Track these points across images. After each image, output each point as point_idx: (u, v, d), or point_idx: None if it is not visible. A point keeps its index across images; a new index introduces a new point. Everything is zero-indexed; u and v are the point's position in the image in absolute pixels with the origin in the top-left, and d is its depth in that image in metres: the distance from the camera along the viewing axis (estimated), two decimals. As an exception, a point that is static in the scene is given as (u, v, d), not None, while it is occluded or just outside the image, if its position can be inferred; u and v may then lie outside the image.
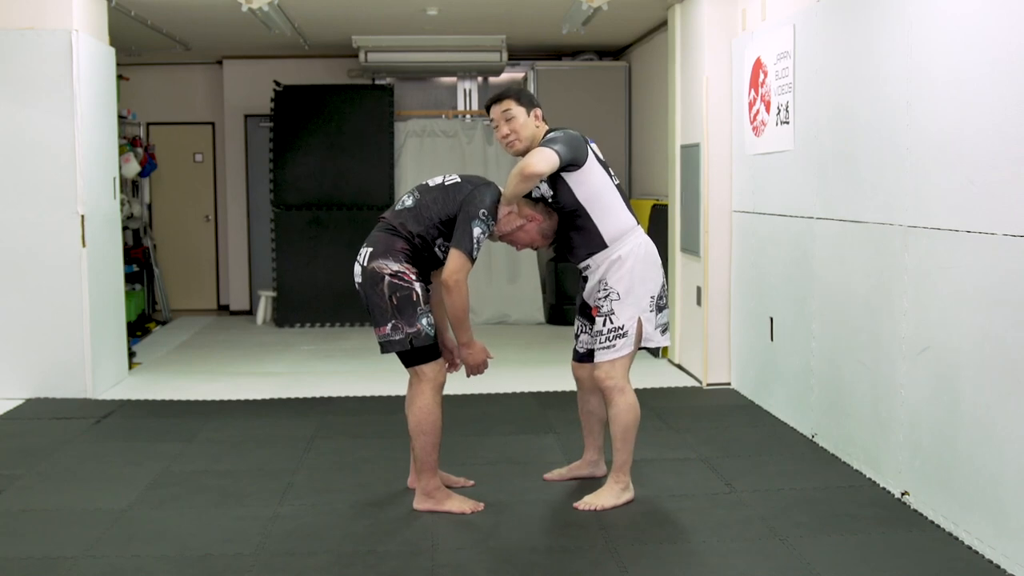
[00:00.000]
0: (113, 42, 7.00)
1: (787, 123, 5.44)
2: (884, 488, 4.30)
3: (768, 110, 5.72)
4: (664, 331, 4.20)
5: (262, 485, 4.50)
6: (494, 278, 9.57)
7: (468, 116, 9.94)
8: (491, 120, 4.22)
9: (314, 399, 6.31)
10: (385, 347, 4.03)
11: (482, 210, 3.95)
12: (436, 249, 4.04)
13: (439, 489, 4.11)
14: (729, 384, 6.51)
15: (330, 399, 6.31)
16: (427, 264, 4.06)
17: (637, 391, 6.31)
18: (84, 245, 6.23)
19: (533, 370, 7.19)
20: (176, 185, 10.61)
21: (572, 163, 4.01)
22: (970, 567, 3.49)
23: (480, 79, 10.30)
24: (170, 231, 10.60)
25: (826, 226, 4.94)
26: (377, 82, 9.90)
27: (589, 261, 4.14)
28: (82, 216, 6.21)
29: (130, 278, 8.81)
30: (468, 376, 4.21)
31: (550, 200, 4.17)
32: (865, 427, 4.53)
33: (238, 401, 6.27)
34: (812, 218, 5.11)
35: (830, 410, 4.93)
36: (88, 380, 6.29)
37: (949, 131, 3.79)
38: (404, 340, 3.95)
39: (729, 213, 6.43)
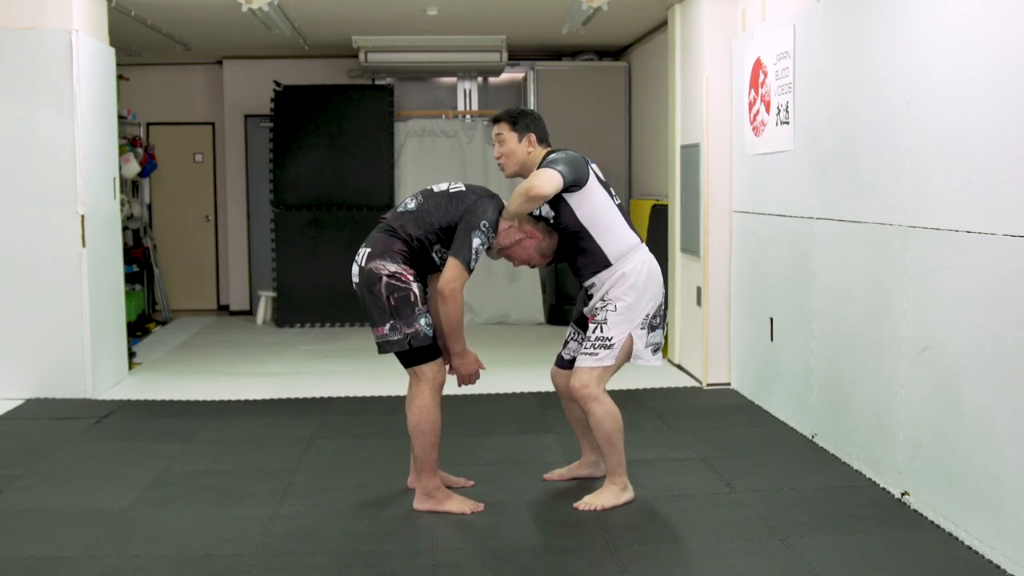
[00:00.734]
0: (113, 42, 7.00)
1: (787, 123, 5.44)
2: (884, 488, 4.30)
3: (768, 110, 5.72)
4: (656, 351, 4.19)
5: (262, 485, 4.50)
6: (494, 278, 9.57)
7: (468, 116, 9.94)
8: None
9: (314, 399, 6.31)
10: (383, 347, 4.03)
11: (483, 221, 3.95)
12: (434, 254, 4.05)
13: (439, 489, 4.11)
14: (729, 384, 6.51)
15: (330, 399, 6.30)
16: (424, 267, 4.06)
17: (637, 391, 6.34)
18: (84, 245, 6.23)
19: (533, 370, 7.18)
20: (176, 185, 10.61)
21: (574, 184, 4.03)
22: (970, 567, 3.49)
23: (480, 79, 10.30)
24: (170, 231, 10.60)
25: (826, 226, 4.94)
26: (377, 82, 9.90)
27: (594, 279, 4.15)
28: (82, 216, 6.21)
29: (130, 278, 8.81)
30: (460, 385, 4.21)
31: (552, 221, 4.18)
32: (865, 427, 4.53)
33: (238, 401, 6.26)
34: (812, 218, 5.11)
35: (830, 410, 4.93)
36: (88, 380, 6.29)
37: (949, 131, 3.79)
38: (403, 340, 3.95)
39: (729, 213, 6.43)
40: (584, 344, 4.15)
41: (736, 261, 6.35)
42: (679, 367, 7.07)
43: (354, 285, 4.07)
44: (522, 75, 10.30)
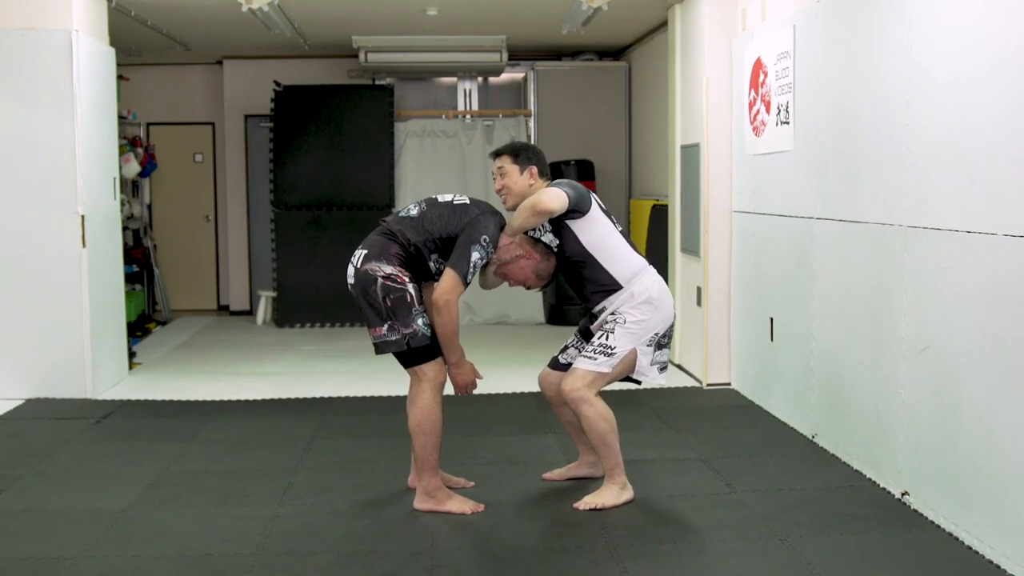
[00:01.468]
0: (113, 42, 7.00)
1: (787, 123, 5.44)
2: (884, 488, 4.30)
3: (768, 110, 5.72)
4: (662, 369, 4.21)
5: (262, 485, 4.50)
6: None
7: (468, 116, 9.94)
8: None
9: (314, 399, 6.31)
10: (380, 348, 4.02)
11: (484, 236, 3.96)
12: (431, 263, 4.05)
13: (440, 489, 4.11)
14: (729, 384, 6.51)
15: (330, 399, 6.30)
16: (419, 273, 4.06)
17: (637, 391, 6.33)
18: (84, 245, 6.23)
19: (533, 370, 7.14)
20: (176, 185, 10.61)
21: (576, 209, 4.08)
22: (970, 567, 3.49)
23: (480, 79, 10.30)
24: (170, 231, 10.60)
25: (826, 226, 4.94)
26: (377, 82, 9.90)
27: (604, 303, 4.18)
28: (82, 216, 6.21)
29: (130, 278, 8.81)
30: (457, 395, 4.21)
31: (555, 249, 4.21)
32: (865, 427, 4.53)
33: (238, 401, 6.26)
34: (812, 218, 5.11)
35: (830, 410, 4.93)
36: (88, 380, 6.29)
37: (949, 131, 3.79)
38: (400, 341, 3.96)
39: (729, 213, 6.43)
40: (584, 348, 4.18)
41: (736, 261, 6.35)
42: (679, 367, 7.07)
43: (349, 286, 4.07)
44: (522, 75, 10.30)
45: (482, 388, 6.39)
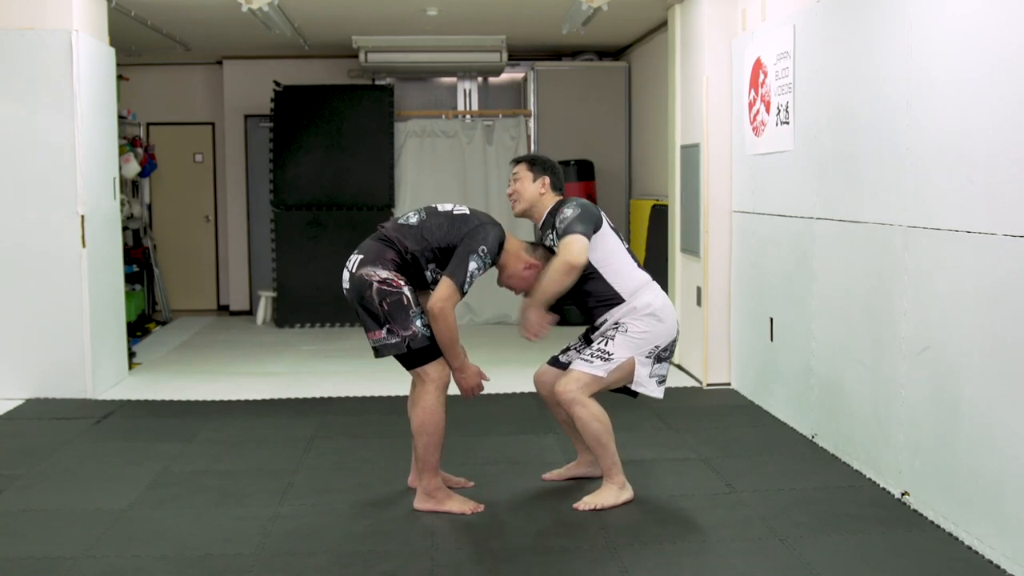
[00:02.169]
0: (113, 42, 7.00)
1: (787, 123, 5.44)
2: (884, 488, 4.30)
3: (768, 110, 5.72)
4: (661, 383, 4.24)
5: (262, 485, 4.50)
6: (494, 278, 9.55)
7: (468, 116, 9.94)
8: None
9: (314, 399, 6.31)
10: (380, 351, 4.02)
11: (482, 247, 3.97)
12: (427, 272, 4.05)
13: (440, 489, 4.11)
14: (729, 384, 6.51)
15: (330, 399, 6.31)
16: (414, 280, 4.05)
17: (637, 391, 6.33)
18: (84, 245, 6.23)
19: (533, 370, 7.16)
20: (176, 185, 10.61)
21: (593, 231, 4.16)
22: (970, 567, 3.49)
23: (480, 79, 10.30)
24: (170, 231, 10.60)
25: (826, 226, 4.94)
26: (377, 82, 9.90)
27: (607, 315, 4.24)
28: (82, 216, 6.21)
29: (130, 278, 8.81)
30: (465, 397, 4.20)
31: None
32: (865, 427, 4.53)
33: (238, 401, 6.26)
34: (812, 218, 5.11)
35: (830, 410, 4.93)
36: (88, 380, 6.29)
37: (949, 131, 3.79)
38: (400, 343, 3.95)
39: (729, 213, 6.43)
40: (584, 350, 4.23)
41: (736, 261, 6.35)
42: (679, 367, 7.07)
43: (344, 291, 4.06)
44: (522, 75, 10.30)
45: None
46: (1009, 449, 3.44)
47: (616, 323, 4.18)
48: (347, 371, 7.32)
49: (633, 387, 4.19)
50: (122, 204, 7.83)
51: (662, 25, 8.05)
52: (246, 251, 10.50)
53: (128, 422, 5.77)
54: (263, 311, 9.83)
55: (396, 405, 6.12)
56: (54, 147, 6.18)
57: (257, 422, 5.73)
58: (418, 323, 3.96)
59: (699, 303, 6.63)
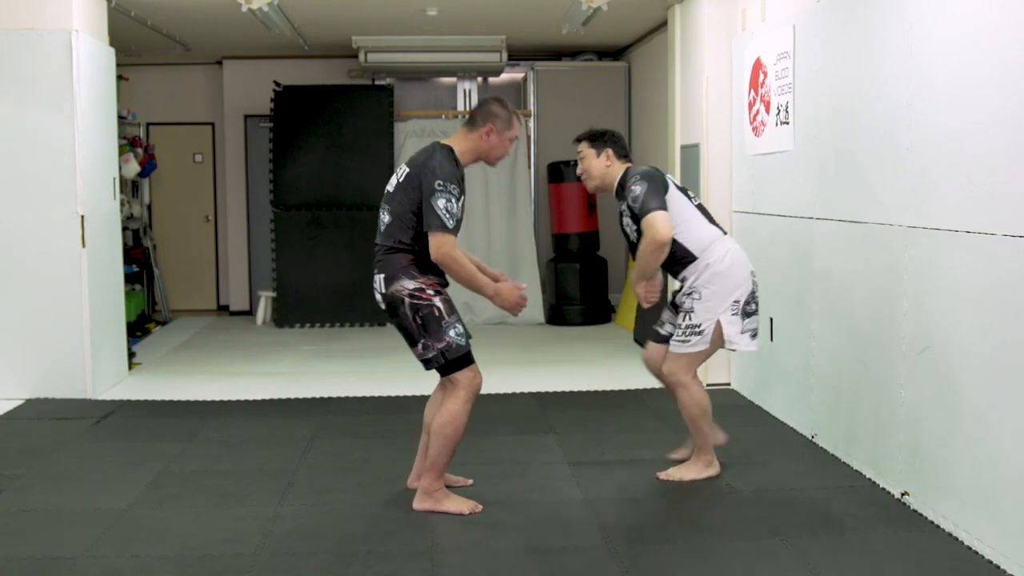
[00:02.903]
0: (113, 42, 7.00)
1: (787, 123, 5.44)
2: (884, 488, 4.31)
3: (768, 110, 5.72)
4: (753, 336, 4.43)
5: (262, 485, 4.50)
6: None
7: (468, 116, 9.93)
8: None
9: (314, 399, 6.31)
10: (425, 365, 4.06)
11: (436, 182, 3.93)
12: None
13: (440, 490, 4.11)
14: (729, 384, 6.51)
15: (330, 399, 6.31)
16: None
17: (637, 391, 6.34)
18: (84, 245, 6.23)
19: (533, 370, 7.19)
20: (176, 185, 10.61)
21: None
22: (970, 567, 3.49)
23: (480, 79, 10.30)
24: (170, 231, 10.60)
25: (826, 226, 4.94)
26: (377, 82, 9.90)
27: (685, 273, 4.40)
28: (82, 216, 6.21)
29: (130, 278, 8.81)
30: (515, 316, 4.23)
31: (634, 232, 4.37)
32: (865, 427, 4.53)
33: (238, 401, 6.26)
34: (812, 218, 5.11)
35: (830, 410, 4.93)
36: (88, 380, 6.29)
37: (949, 131, 3.79)
38: (437, 356, 3.98)
39: (729, 213, 6.43)
40: (676, 332, 4.42)
41: (736, 261, 6.34)
42: (679, 367, 7.06)
43: (383, 309, 4.09)
44: (522, 75, 10.30)
45: (482, 388, 6.41)
46: (1009, 449, 3.44)
47: (690, 291, 4.36)
48: (347, 371, 7.32)
49: (727, 346, 4.39)
50: (122, 204, 7.83)
51: (662, 25, 8.05)
52: (246, 251, 10.50)
53: (128, 422, 5.77)
54: (263, 311, 9.83)
55: (396, 405, 6.12)
56: (54, 147, 6.18)
57: (257, 422, 5.73)
58: (451, 333, 3.97)
59: (699, 303, 6.62)
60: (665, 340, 4.56)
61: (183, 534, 3.89)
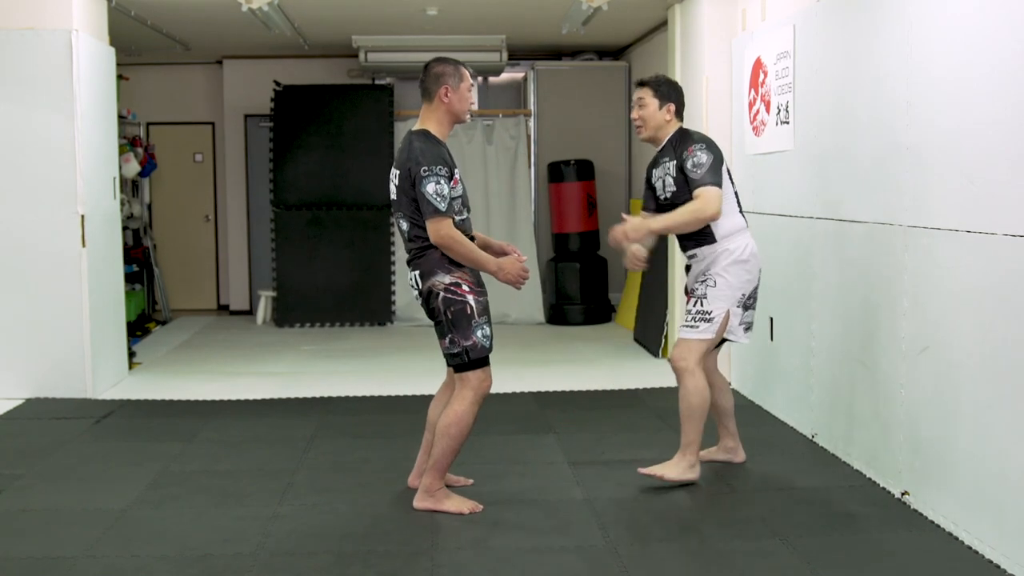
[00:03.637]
0: (113, 42, 7.00)
1: (787, 123, 5.44)
2: (884, 488, 4.30)
3: (768, 110, 5.72)
4: (748, 329, 4.41)
5: (262, 485, 4.50)
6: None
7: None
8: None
9: (314, 399, 6.31)
10: (449, 360, 4.07)
11: (421, 168, 3.93)
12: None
13: (440, 489, 4.11)
14: (729, 384, 6.49)
15: (330, 399, 6.30)
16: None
17: (637, 391, 6.34)
18: (84, 245, 6.23)
19: (533, 370, 7.19)
20: (176, 185, 10.61)
21: None
22: (970, 567, 3.49)
23: (480, 79, 10.29)
24: (170, 231, 10.60)
25: (826, 226, 4.94)
26: (377, 82, 9.90)
27: (696, 251, 4.37)
28: (82, 216, 6.21)
29: (130, 278, 8.81)
30: (518, 288, 4.18)
31: (669, 196, 4.35)
32: (865, 427, 4.53)
33: (238, 401, 6.26)
34: (812, 218, 5.11)
35: (830, 410, 4.93)
36: (88, 380, 6.29)
37: (949, 131, 3.79)
38: (461, 353, 3.99)
39: (729, 213, 6.42)
40: (685, 317, 4.35)
41: (736, 261, 6.34)
42: (679, 367, 7.06)
43: (420, 305, 4.11)
44: (522, 75, 10.30)
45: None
46: (1009, 449, 3.44)
47: (704, 275, 4.30)
48: (347, 371, 7.32)
49: (726, 335, 4.35)
50: (122, 204, 7.83)
51: (662, 25, 8.05)
52: (246, 251, 10.50)
53: (128, 422, 5.77)
54: (263, 311, 9.83)
55: (396, 405, 6.12)
56: (54, 147, 6.18)
57: (257, 422, 5.73)
58: (479, 334, 3.99)
59: (699, 303, 6.62)
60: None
61: (183, 534, 3.89)
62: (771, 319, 5.71)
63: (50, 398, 6.25)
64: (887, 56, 4.28)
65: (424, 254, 4.02)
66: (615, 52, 10.14)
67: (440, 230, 3.91)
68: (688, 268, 4.51)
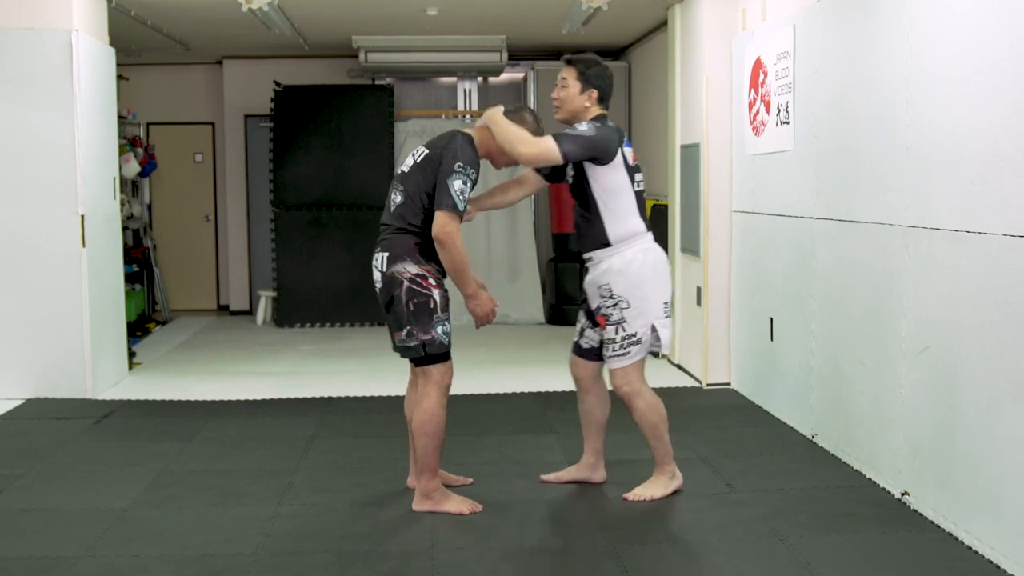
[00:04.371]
0: (113, 42, 7.00)
1: (787, 123, 5.44)
2: (884, 488, 4.30)
3: (768, 110, 5.72)
4: (664, 336, 4.24)
5: (262, 485, 4.50)
6: (494, 278, 9.56)
7: (468, 116, 9.93)
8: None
9: (314, 399, 6.30)
10: (401, 352, 4.05)
11: (457, 163, 3.92)
12: None
13: (438, 490, 4.11)
14: (729, 384, 6.51)
15: (330, 399, 6.30)
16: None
17: (637, 391, 6.33)
18: (84, 245, 6.23)
19: (533, 370, 7.18)
20: (176, 185, 10.61)
21: (592, 159, 4.06)
22: (970, 567, 3.49)
23: (480, 79, 10.29)
24: (170, 231, 10.60)
25: (826, 226, 4.94)
26: (377, 82, 9.90)
27: (592, 255, 4.18)
28: (82, 216, 6.21)
29: (130, 278, 8.81)
30: (477, 327, 4.14)
31: (571, 179, 4.19)
32: (865, 427, 4.53)
33: (238, 401, 6.26)
34: (812, 218, 5.11)
35: (830, 410, 4.93)
36: (88, 380, 6.29)
37: (949, 131, 3.79)
38: (418, 347, 3.97)
39: (729, 213, 6.43)
40: (610, 347, 4.15)
41: (736, 261, 6.35)
42: (679, 367, 7.07)
43: (377, 290, 4.07)
44: (522, 75, 10.30)
45: (482, 388, 6.43)
46: (1009, 449, 3.44)
47: (612, 298, 4.09)
48: (347, 371, 7.32)
49: (652, 349, 4.20)
50: (122, 204, 7.82)
51: (662, 25, 8.05)
52: (246, 251, 10.50)
53: (128, 422, 5.77)
54: (263, 311, 9.83)
55: (396, 405, 6.10)
56: (54, 147, 6.18)
57: (257, 422, 5.73)
58: (439, 329, 3.97)
59: (699, 303, 6.63)
60: (586, 354, 4.31)
61: (183, 534, 3.89)
62: (771, 319, 5.71)
63: (50, 398, 6.25)
64: (887, 56, 4.28)
65: (397, 237, 3.99)
66: (615, 52, 10.13)
67: (447, 225, 3.88)
68: (586, 271, 4.25)
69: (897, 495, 4.20)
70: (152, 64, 10.22)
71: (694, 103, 6.68)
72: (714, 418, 5.71)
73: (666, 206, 7.58)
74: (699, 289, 6.63)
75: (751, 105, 6.00)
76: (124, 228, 8.73)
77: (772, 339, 5.70)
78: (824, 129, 4.97)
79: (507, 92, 10.53)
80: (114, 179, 6.83)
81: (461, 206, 3.90)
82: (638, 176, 4.19)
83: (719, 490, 4.37)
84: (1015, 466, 3.40)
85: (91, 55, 6.39)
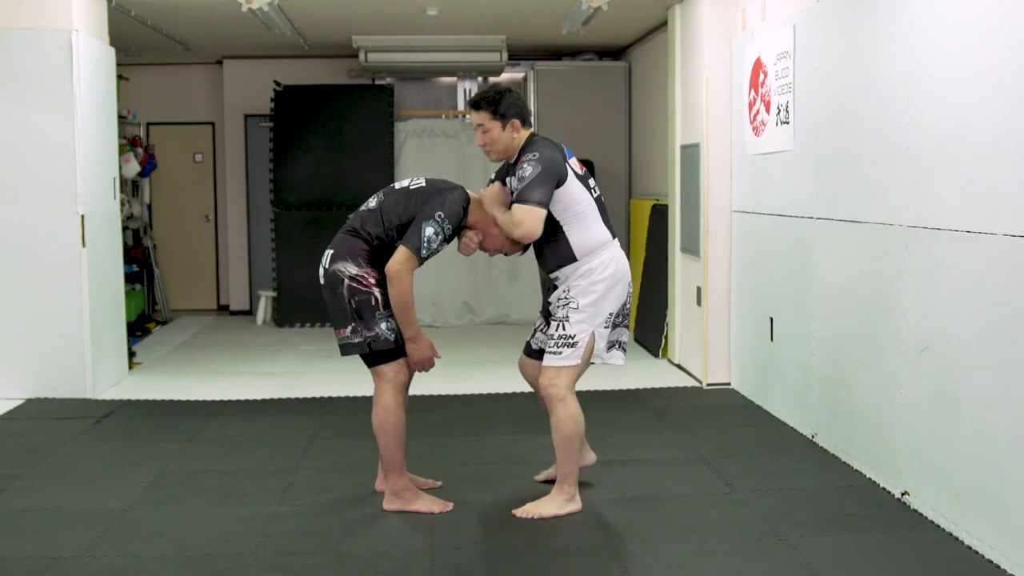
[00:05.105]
0: (113, 42, 7.00)
1: (787, 123, 5.44)
2: (884, 488, 4.30)
3: (768, 110, 5.72)
4: (619, 348, 4.16)
5: (262, 485, 4.50)
6: (494, 278, 9.56)
7: (468, 116, 9.93)
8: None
9: (314, 399, 6.30)
10: (344, 349, 4.04)
11: (439, 212, 3.92)
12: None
13: (407, 489, 4.11)
14: (729, 384, 6.51)
15: (330, 399, 6.30)
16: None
17: (637, 391, 6.34)
18: (84, 245, 6.23)
19: (533, 370, 7.17)
20: (176, 185, 10.61)
21: (556, 187, 3.98)
22: (970, 567, 3.49)
23: (480, 79, 10.29)
24: (170, 231, 10.60)
25: (826, 226, 4.94)
26: (377, 82, 9.90)
27: (559, 272, 4.10)
28: (82, 216, 6.21)
29: (130, 278, 8.81)
30: (412, 371, 4.10)
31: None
32: (865, 427, 4.53)
33: (238, 401, 6.26)
34: (812, 218, 5.11)
35: (830, 410, 4.93)
36: (88, 380, 6.29)
37: (949, 131, 3.79)
38: (363, 343, 3.97)
39: (729, 213, 6.43)
40: (548, 342, 4.08)
41: (736, 261, 6.35)
42: (679, 367, 7.07)
43: (321, 287, 4.09)
44: (522, 75, 10.29)
45: (482, 388, 6.43)
46: (1009, 449, 3.44)
47: (567, 296, 4.02)
48: (347, 371, 7.28)
49: (595, 360, 4.07)
50: (122, 204, 7.83)
51: (662, 25, 8.05)
52: (246, 251, 10.50)
53: (128, 422, 5.77)
54: (263, 311, 9.83)
55: (396, 405, 6.12)
56: (54, 147, 6.18)
57: (257, 422, 5.73)
58: (383, 325, 3.97)
59: (699, 303, 6.63)
60: (535, 354, 4.27)
61: (183, 534, 3.89)
62: (771, 319, 5.71)
63: (50, 398, 6.25)
64: (887, 56, 4.28)
65: (349, 237, 4.04)
66: (615, 52, 10.14)
67: (403, 264, 3.87)
68: (554, 288, 4.14)
69: (897, 495, 4.20)
70: (152, 64, 10.22)
71: (694, 103, 6.68)
72: (714, 418, 5.71)
73: (666, 206, 7.59)
74: (699, 289, 6.63)
75: (751, 105, 6.00)
76: (124, 228, 8.74)
77: (772, 339, 5.70)
78: (824, 129, 4.97)
79: (507, 92, 10.52)
80: (114, 179, 6.83)
81: (424, 252, 3.90)
82: (591, 182, 4.12)
83: (719, 490, 4.37)
84: (1015, 466, 3.40)
85: (91, 55, 6.39)
